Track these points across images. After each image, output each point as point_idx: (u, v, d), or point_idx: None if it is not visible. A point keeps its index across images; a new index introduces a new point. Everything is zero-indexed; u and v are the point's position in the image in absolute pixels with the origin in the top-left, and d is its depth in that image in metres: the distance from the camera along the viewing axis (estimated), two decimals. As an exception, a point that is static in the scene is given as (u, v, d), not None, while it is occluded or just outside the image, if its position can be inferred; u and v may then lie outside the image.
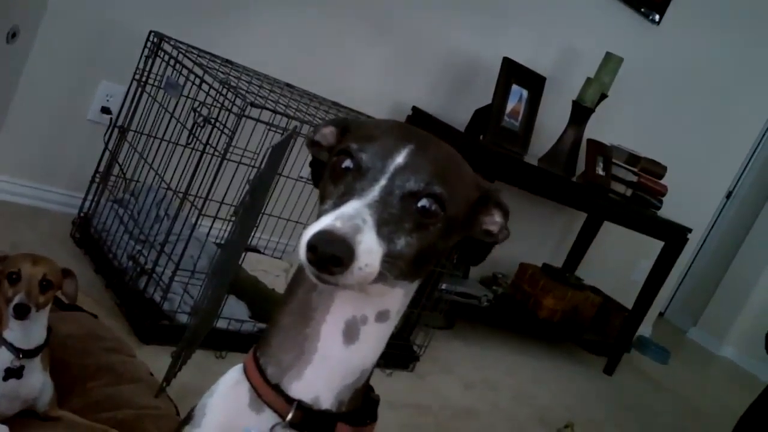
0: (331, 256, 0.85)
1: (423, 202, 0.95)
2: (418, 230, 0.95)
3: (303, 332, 1.03)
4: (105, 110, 3.49)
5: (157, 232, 3.08)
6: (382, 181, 0.93)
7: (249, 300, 3.18)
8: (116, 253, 3.08)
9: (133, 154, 3.23)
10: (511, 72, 4.11)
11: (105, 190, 3.28)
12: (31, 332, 1.81)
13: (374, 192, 0.92)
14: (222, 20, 3.59)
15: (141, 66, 3.13)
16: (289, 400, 1.04)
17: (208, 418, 1.12)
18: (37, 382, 1.86)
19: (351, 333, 1.02)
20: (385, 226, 0.90)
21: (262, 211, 2.83)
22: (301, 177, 3.56)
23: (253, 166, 2.88)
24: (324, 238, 0.85)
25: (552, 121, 4.54)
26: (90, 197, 3.32)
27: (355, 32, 4.02)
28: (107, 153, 3.27)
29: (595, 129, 4.58)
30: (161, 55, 3.08)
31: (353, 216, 0.88)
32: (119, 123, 3.23)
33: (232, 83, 2.66)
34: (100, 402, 2.04)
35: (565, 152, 4.29)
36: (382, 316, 1.03)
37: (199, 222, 2.78)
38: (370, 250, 0.87)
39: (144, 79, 3.11)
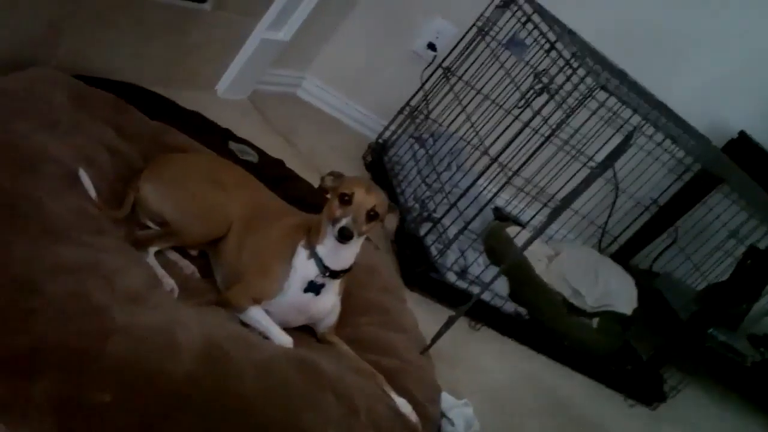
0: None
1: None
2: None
3: None
4: (431, 46, 3.44)
5: (446, 181, 3.00)
6: None
7: (513, 279, 3.04)
8: (404, 190, 3.04)
9: (444, 97, 3.15)
10: None
11: (410, 124, 3.25)
12: (343, 255, 1.77)
13: None
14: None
15: (487, 14, 3.02)
16: None
17: None
18: (329, 303, 1.84)
19: None
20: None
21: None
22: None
23: (576, 154, 2.70)
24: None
25: None
26: (392, 127, 3.32)
27: (700, 34, 3.70)
28: (423, 89, 3.23)
29: None
30: (512, 9, 2.94)
31: None
32: (445, 63, 3.16)
33: (586, 60, 2.46)
34: (368, 341, 1.99)
35: None
36: None
37: (499, 191, 2.65)
38: None
39: (486, 28, 3.00)
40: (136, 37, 2.29)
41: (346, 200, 1.70)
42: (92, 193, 1.68)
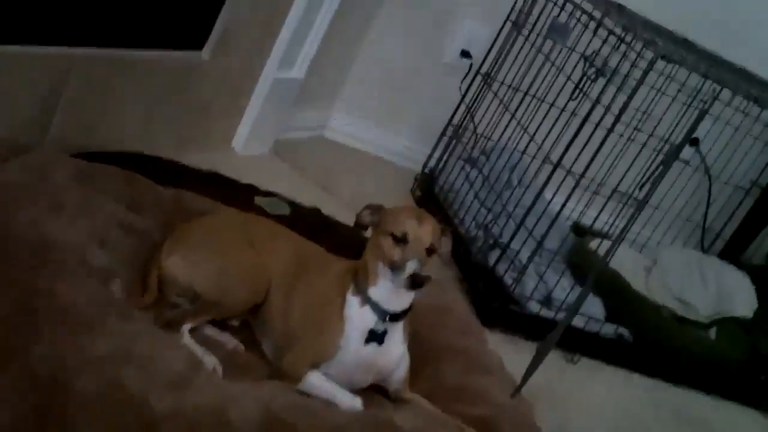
0: None
1: None
2: None
3: None
4: (465, 54, 3.45)
5: (507, 200, 2.98)
6: None
7: (607, 296, 2.99)
8: (464, 219, 3.03)
9: (489, 107, 3.14)
10: None
11: (457, 145, 3.25)
12: (401, 296, 1.76)
13: None
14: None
15: (519, 4, 3.03)
16: None
17: None
18: (396, 351, 1.82)
19: None
20: None
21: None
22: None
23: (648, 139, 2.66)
24: None
25: None
26: (438, 152, 3.32)
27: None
28: (464, 103, 3.24)
29: None
30: (544, -5, 2.95)
31: None
32: (483, 70, 3.17)
33: (640, 32, 2.44)
34: (449, 391, 1.96)
35: None
36: None
37: (568, 199, 2.64)
38: None
39: (521, 20, 3.00)
40: (134, 102, 2.35)
41: (400, 239, 1.70)
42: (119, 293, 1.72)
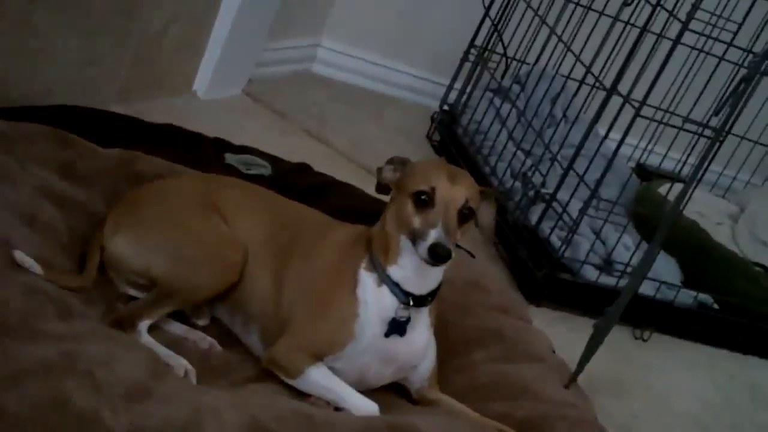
0: None
1: None
2: None
3: None
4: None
5: (551, 140, 2.98)
6: None
7: (683, 255, 3.00)
8: (496, 167, 3.03)
9: (522, 21, 3.13)
10: None
11: (482, 73, 3.24)
12: (430, 275, 1.75)
13: None
14: None
15: None
16: None
17: None
18: (421, 341, 1.81)
19: None
20: None
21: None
22: None
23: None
24: None
25: None
26: (459, 84, 3.31)
27: None
28: (488, 20, 3.22)
29: None
30: None
31: None
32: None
33: None
34: (489, 385, 1.98)
35: None
36: None
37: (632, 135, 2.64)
38: None
39: None
40: (63, 38, 2.32)
41: (424, 200, 1.69)
42: (36, 269, 1.70)
